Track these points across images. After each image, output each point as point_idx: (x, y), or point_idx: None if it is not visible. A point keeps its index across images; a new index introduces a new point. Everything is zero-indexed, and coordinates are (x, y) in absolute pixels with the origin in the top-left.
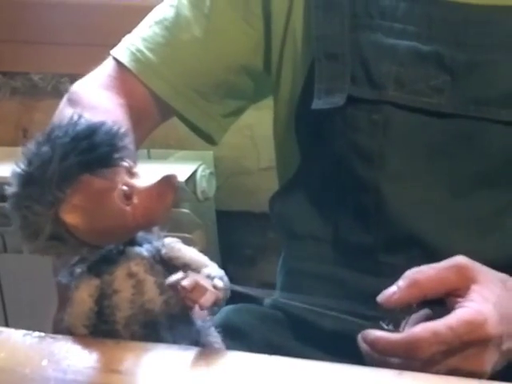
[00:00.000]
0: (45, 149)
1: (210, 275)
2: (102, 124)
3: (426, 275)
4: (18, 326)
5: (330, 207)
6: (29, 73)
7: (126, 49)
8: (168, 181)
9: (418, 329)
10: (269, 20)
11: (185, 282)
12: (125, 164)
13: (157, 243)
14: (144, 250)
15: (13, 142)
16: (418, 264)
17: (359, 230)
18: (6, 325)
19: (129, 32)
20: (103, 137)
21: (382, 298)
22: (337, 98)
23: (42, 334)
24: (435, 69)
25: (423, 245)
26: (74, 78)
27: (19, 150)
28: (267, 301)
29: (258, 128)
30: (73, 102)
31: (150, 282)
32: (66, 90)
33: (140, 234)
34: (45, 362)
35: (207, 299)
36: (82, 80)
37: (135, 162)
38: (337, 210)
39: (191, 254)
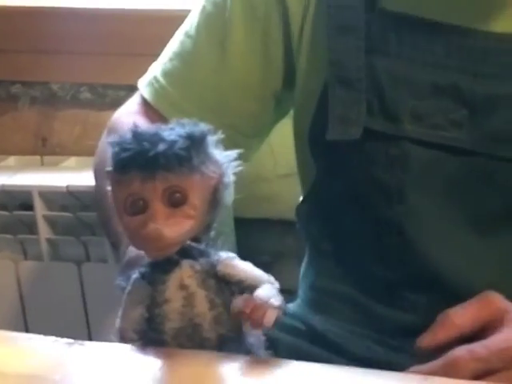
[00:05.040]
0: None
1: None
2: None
3: (458, 313)
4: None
5: (349, 238)
6: (48, 82)
7: (149, 83)
8: None
9: (455, 349)
10: (289, 44)
11: (242, 305)
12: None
13: (213, 258)
14: (198, 264)
15: (32, 151)
16: (442, 302)
17: (381, 264)
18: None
19: (147, 41)
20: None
21: (420, 341)
22: (353, 130)
23: (71, 340)
24: (454, 102)
25: (447, 283)
26: (92, 87)
27: (38, 158)
28: (288, 311)
29: (275, 135)
30: (112, 131)
31: (200, 296)
32: (85, 99)
33: (196, 248)
34: (74, 369)
35: (269, 318)
36: (118, 111)
37: None
38: (357, 243)
39: (246, 269)
